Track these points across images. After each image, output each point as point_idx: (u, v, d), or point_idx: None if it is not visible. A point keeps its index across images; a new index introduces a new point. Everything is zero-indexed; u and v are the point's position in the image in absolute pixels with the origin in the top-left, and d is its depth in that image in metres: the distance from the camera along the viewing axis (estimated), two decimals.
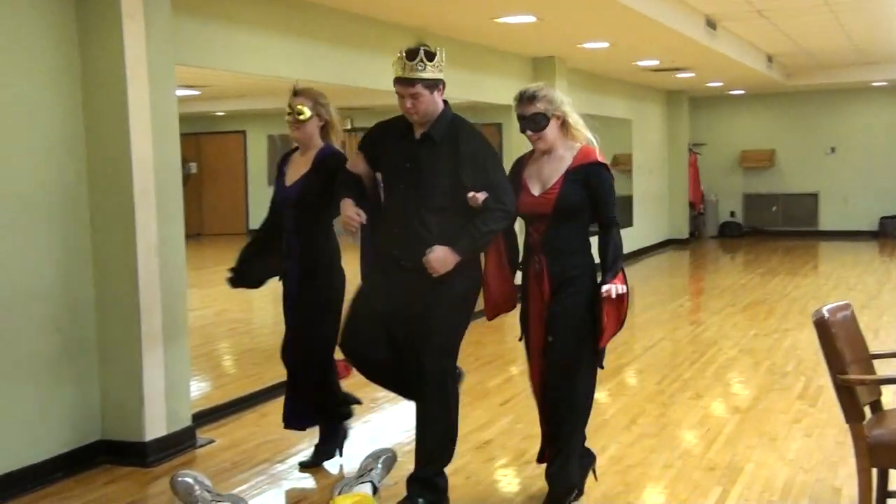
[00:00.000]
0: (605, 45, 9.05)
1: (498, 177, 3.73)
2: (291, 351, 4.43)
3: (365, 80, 6.95)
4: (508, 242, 3.83)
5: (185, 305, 4.89)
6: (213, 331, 8.21)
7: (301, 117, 4.17)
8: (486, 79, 8.89)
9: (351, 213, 3.73)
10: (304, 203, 4.17)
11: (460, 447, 4.65)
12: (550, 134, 3.70)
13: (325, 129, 4.27)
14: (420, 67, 3.60)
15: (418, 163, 3.73)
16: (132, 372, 4.54)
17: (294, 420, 4.49)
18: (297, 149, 4.37)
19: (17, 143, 4.19)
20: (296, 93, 4.25)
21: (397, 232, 3.76)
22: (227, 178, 17.34)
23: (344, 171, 3.94)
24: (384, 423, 5.24)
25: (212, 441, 4.89)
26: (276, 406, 5.58)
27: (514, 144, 10.08)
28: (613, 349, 7.13)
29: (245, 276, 4.46)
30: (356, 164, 3.91)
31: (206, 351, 7.32)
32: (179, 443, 4.72)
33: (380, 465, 4.00)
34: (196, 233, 15.62)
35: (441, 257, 3.63)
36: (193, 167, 16.45)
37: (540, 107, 3.68)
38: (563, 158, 3.73)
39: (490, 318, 3.88)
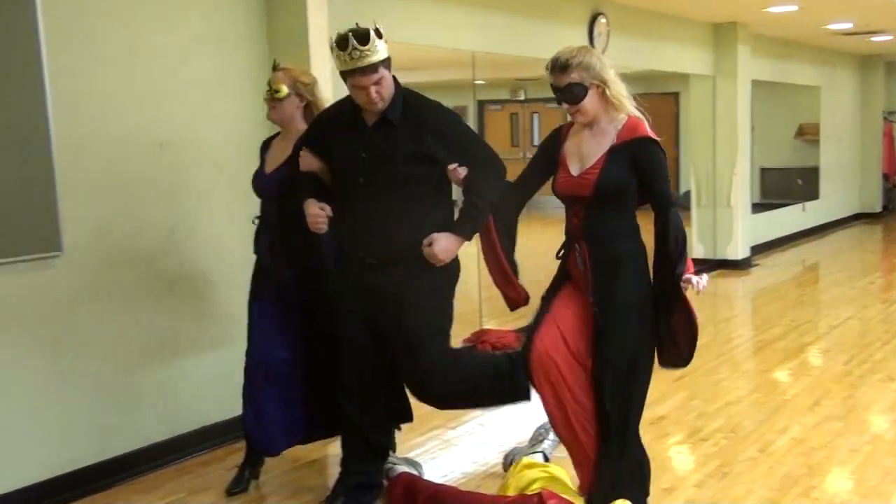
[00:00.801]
0: (794, 8, 8.56)
1: (478, 149, 3.43)
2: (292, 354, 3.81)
3: (540, 50, 6.87)
4: (504, 234, 3.40)
5: None
6: None
7: (278, 95, 3.70)
8: (662, 47, 8.62)
9: (314, 210, 3.38)
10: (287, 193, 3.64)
11: None
12: (590, 106, 3.21)
13: (309, 111, 3.77)
14: (375, 49, 3.22)
15: (376, 151, 3.34)
16: None
17: (316, 428, 3.92)
18: (279, 133, 3.86)
19: (211, 116, 4.42)
20: (275, 68, 3.82)
21: (360, 230, 3.39)
22: None
23: (298, 173, 3.50)
24: None
25: None
26: None
27: (692, 115, 9.77)
28: (796, 327, 6.83)
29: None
30: (308, 162, 3.47)
31: None
32: None
33: (552, 436, 3.99)
34: None
35: (445, 247, 3.34)
36: None
37: (575, 76, 3.17)
38: (607, 133, 3.24)
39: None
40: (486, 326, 6.52)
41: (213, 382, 4.44)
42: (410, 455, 4.13)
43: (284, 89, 3.69)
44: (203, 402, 4.41)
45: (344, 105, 3.47)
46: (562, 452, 4.02)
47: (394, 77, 3.33)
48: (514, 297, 3.49)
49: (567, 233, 3.34)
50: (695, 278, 3.11)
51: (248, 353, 3.85)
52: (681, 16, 8.73)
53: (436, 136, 3.32)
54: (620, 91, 3.22)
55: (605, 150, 3.20)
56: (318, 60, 4.60)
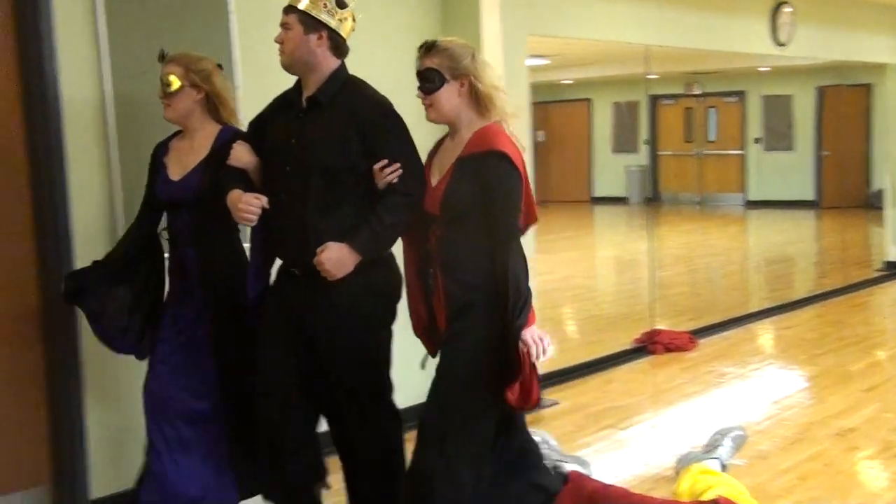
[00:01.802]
0: None
1: (404, 153, 2.91)
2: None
3: (716, 42, 6.66)
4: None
5: (532, 270, 5.00)
6: (558, 295, 8.37)
7: (169, 89, 3.11)
8: (854, 35, 8.12)
9: (246, 198, 2.87)
10: (204, 202, 3.08)
11: (818, 432, 4.37)
12: (445, 101, 2.81)
13: (212, 105, 3.18)
14: None
15: (303, 137, 2.94)
16: None
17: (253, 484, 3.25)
18: (178, 133, 3.26)
19: None
20: (160, 58, 3.20)
21: (279, 233, 2.97)
22: (573, 147, 17.56)
23: (225, 167, 3.02)
24: (734, 398, 5.04)
25: (556, 403, 4.99)
26: (621, 373, 5.62)
27: (888, 107, 9.17)
28: None
29: (78, 296, 3.19)
30: (239, 156, 3.00)
31: (551, 315, 7.49)
32: None
33: (729, 442, 3.85)
34: (542, 200, 16.02)
35: (335, 257, 2.81)
36: (541, 136, 16.86)
37: (436, 62, 2.80)
38: (463, 140, 2.83)
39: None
40: (658, 327, 6.37)
41: None
42: (579, 454, 4.08)
43: (176, 81, 3.11)
44: None
45: (299, 82, 3.04)
46: (739, 460, 3.88)
47: (343, 64, 3.01)
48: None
49: (426, 253, 2.91)
50: (534, 344, 2.65)
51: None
52: (873, 0, 8.20)
53: (362, 128, 2.90)
54: (496, 93, 2.81)
55: (454, 160, 2.83)
56: (492, 64, 4.61)
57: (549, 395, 5.07)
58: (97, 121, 3.47)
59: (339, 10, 2.93)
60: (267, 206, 2.88)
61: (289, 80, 4.08)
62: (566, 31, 5.59)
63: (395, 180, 2.85)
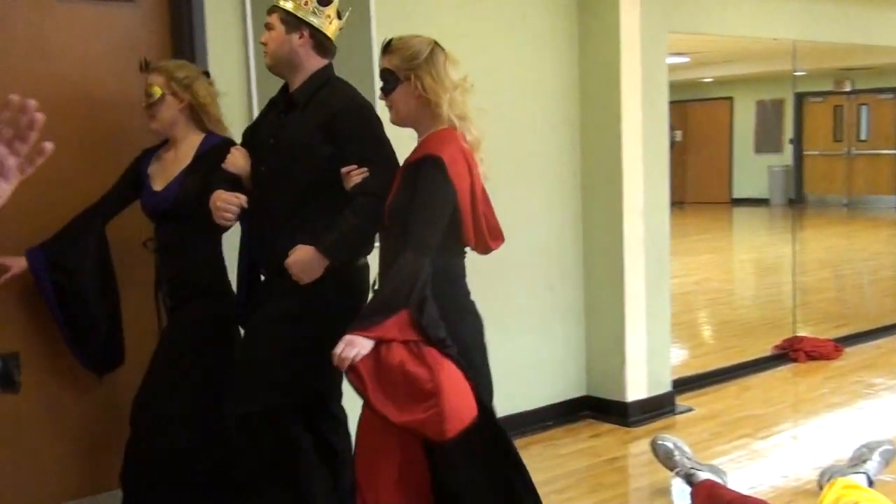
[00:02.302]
0: None
1: (373, 155, 2.80)
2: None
3: (869, 36, 6.33)
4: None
5: (667, 272, 4.92)
6: (693, 299, 8.17)
7: (151, 99, 3.07)
8: None
9: (225, 196, 2.83)
10: (184, 212, 3.06)
11: None
12: (401, 103, 2.69)
13: (195, 115, 3.15)
14: None
15: (279, 137, 2.90)
16: (615, 333, 4.69)
17: None
18: (164, 144, 3.22)
19: (523, 112, 4.53)
20: (143, 69, 3.18)
21: (254, 234, 2.95)
22: (712, 147, 17.08)
23: (219, 170, 2.96)
24: (883, 410, 4.79)
25: (690, 409, 4.87)
26: (759, 380, 5.44)
27: None
28: None
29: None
30: (234, 160, 2.95)
31: (686, 319, 7.31)
32: (659, 407, 4.79)
33: (877, 457, 3.66)
34: (679, 201, 15.65)
35: (302, 259, 2.74)
36: (679, 135, 16.46)
37: (391, 61, 2.67)
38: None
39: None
40: (800, 334, 6.12)
41: (515, 372, 4.55)
42: (714, 462, 3.97)
43: (157, 90, 3.07)
44: (507, 391, 4.50)
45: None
46: (888, 476, 3.68)
47: (329, 64, 2.94)
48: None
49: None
50: (340, 347, 2.42)
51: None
52: None
53: (331, 129, 2.83)
54: (440, 99, 2.63)
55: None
56: (629, 63, 4.55)
57: (682, 401, 4.96)
58: (244, 116, 3.63)
59: (322, 8, 2.88)
60: (246, 205, 2.84)
61: None
62: (708, 28, 5.43)
63: (357, 180, 2.78)
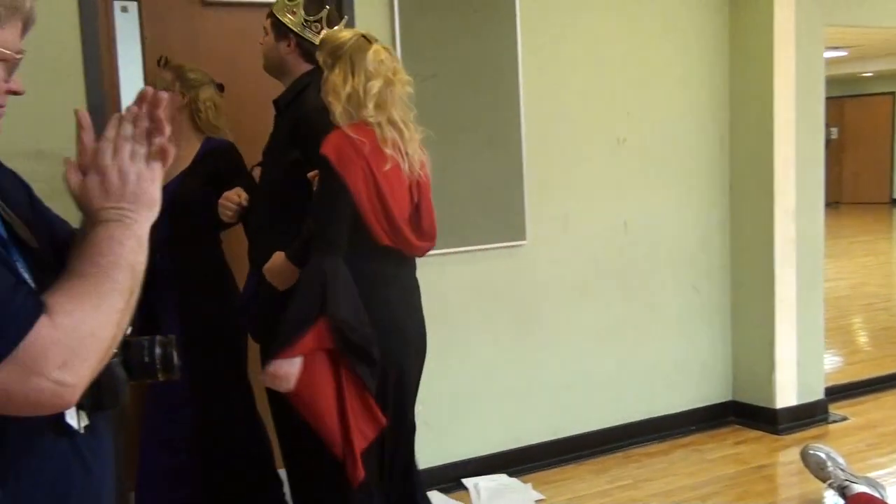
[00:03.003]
0: None
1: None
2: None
3: None
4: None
5: (820, 275, 4.73)
6: (848, 304, 7.81)
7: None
8: None
9: (228, 194, 3.01)
10: (181, 210, 3.03)
11: None
12: (330, 94, 2.67)
13: (195, 117, 3.23)
14: (287, 4, 2.88)
15: (268, 142, 3.00)
16: (764, 337, 4.55)
17: None
18: None
19: (669, 113, 4.45)
20: (159, 63, 3.29)
21: (248, 239, 3.06)
22: (871, 144, 16.25)
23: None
24: None
25: (845, 418, 4.67)
26: None
27: None
28: None
29: None
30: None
31: (840, 324, 7.01)
32: (810, 415, 4.61)
33: None
34: (834, 201, 14.99)
35: (273, 266, 2.74)
36: (834, 132, 15.75)
37: (321, 56, 2.68)
38: None
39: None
40: None
41: (659, 374, 4.48)
42: (871, 475, 3.79)
43: (160, 83, 3.14)
44: (650, 393, 4.47)
45: None
46: None
47: (316, 66, 2.82)
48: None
49: None
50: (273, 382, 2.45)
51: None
52: None
53: (298, 135, 2.82)
54: (332, 101, 2.59)
55: None
56: (783, 58, 4.40)
57: (836, 409, 4.76)
58: None
59: (310, 17, 2.90)
60: (246, 203, 2.98)
61: (568, 81, 4.16)
62: (869, 21, 5.19)
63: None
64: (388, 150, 2.59)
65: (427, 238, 2.73)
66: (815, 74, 4.59)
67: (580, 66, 4.18)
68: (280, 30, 2.91)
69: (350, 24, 3.56)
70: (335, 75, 2.61)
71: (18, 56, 1.20)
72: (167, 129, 1.24)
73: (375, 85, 2.59)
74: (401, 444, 2.74)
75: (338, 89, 2.59)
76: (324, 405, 2.54)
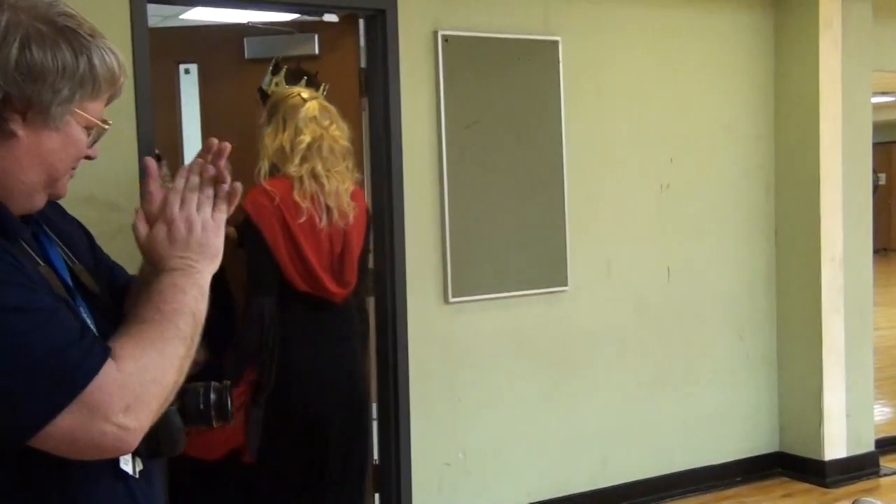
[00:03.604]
0: None
1: None
2: None
3: None
4: None
5: (869, 323, 4.64)
6: None
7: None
8: None
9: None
10: None
11: None
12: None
13: None
14: (272, 78, 3.25)
15: None
16: (812, 387, 4.46)
17: None
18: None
19: (714, 158, 4.42)
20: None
21: None
22: None
23: None
24: None
25: None
26: None
27: None
28: None
29: None
30: None
31: (891, 374, 6.84)
32: (861, 467, 4.49)
33: None
34: (882, 247, 14.72)
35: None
36: (882, 178, 15.53)
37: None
38: None
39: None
40: None
41: (702, 424, 4.40)
42: None
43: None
44: (694, 443, 4.38)
45: None
46: None
47: None
48: None
49: None
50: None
51: None
52: None
53: None
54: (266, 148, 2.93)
55: None
56: (829, 103, 4.37)
57: (887, 462, 4.64)
58: (434, 165, 3.74)
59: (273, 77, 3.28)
60: None
61: (611, 127, 4.17)
62: None
63: None
64: (305, 203, 2.77)
65: (345, 285, 2.89)
66: (863, 120, 4.55)
67: (623, 112, 4.18)
68: (264, 101, 3.20)
69: (395, 74, 3.61)
70: (267, 132, 2.84)
71: (107, 126, 1.25)
72: (229, 179, 1.28)
73: (304, 140, 2.79)
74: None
75: (267, 145, 2.82)
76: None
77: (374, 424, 3.56)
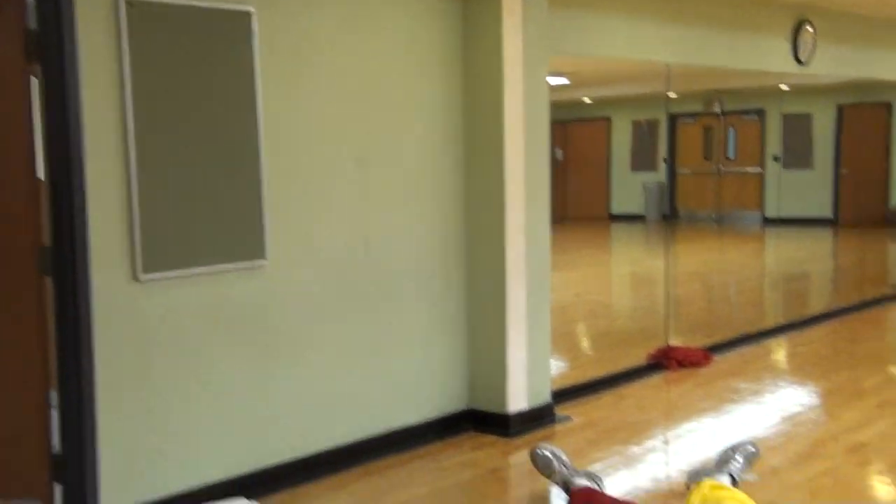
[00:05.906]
0: None
1: None
2: None
3: (738, 60, 6.71)
4: None
5: (547, 287, 5.07)
6: (573, 312, 8.40)
7: None
8: (874, 54, 8.14)
9: None
10: None
11: (830, 447, 4.39)
12: None
13: None
14: None
15: None
16: (497, 347, 4.80)
17: None
18: None
19: (409, 133, 4.60)
20: None
21: None
22: (592, 165, 17.58)
23: None
24: (747, 414, 5.06)
25: (569, 419, 5.02)
26: (634, 389, 5.65)
27: None
28: None
29: None
30: None
31: (566, 331, 7.52)
32: (539, 417, 4.92)
33: (741, 458, 3.87)
34: (561, 217, 16.03)
35: None
36: (560, 154, 16.87)
37: None
38: None
39: None
40: (673, 343, 6.39)
41: (398, 388, 4.60)
42: (591, 469, 4.11)
43: None
44: (388, 408, 4.57)
45: None
46: (751, 475, 3.90)
47: None
48: None
49: None
50: None
51: None
52: (894, 19, 8.22)
53: None
54: None
55: None
56: (512, 85, 4.69)
57: (561, 410, 5.11)
58: (119, 137, 3.57)
59: None
60: None
61: (308, 101, 4.18)
62: (588, 51, 5.64)
63: None
64: None
65: None
66: (542, 100, 4.93)
67: (320, 86, 4.21)
68: None
69: (70, 38, 3.35)
70: None
71: None
72: None
73: None
74: None
75: None
76: None
77: (54, 413, 3.35)
